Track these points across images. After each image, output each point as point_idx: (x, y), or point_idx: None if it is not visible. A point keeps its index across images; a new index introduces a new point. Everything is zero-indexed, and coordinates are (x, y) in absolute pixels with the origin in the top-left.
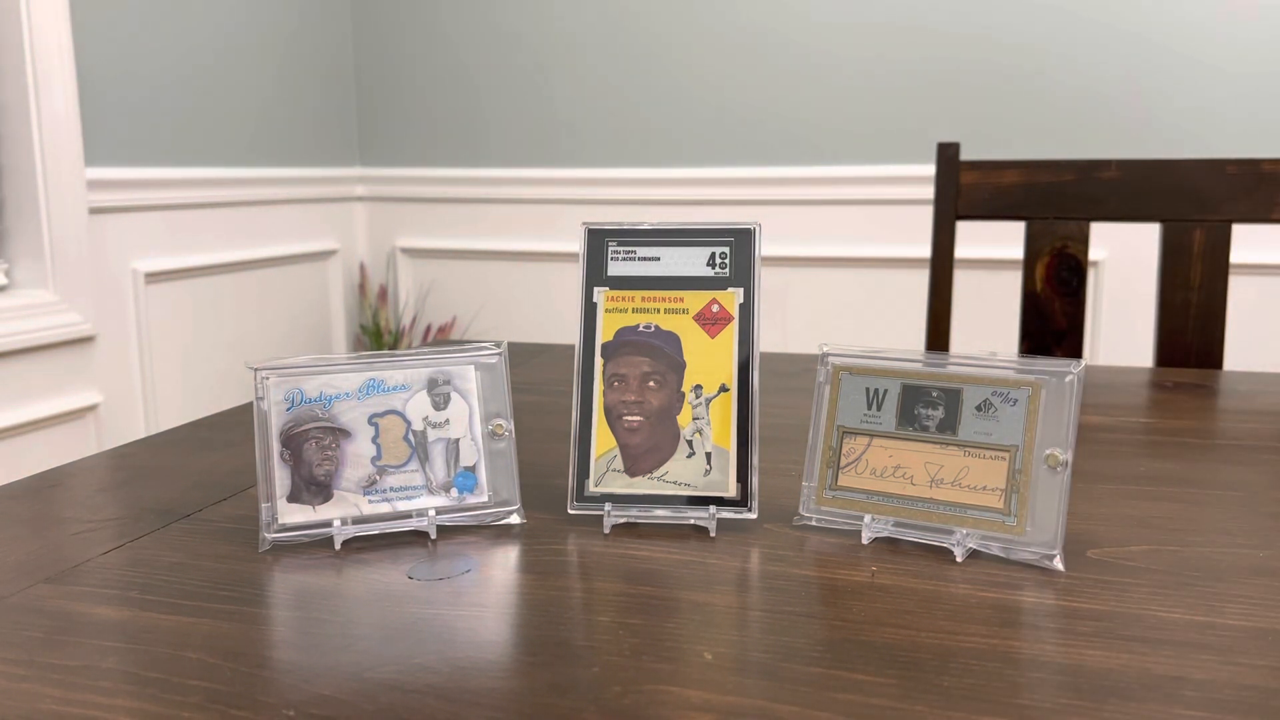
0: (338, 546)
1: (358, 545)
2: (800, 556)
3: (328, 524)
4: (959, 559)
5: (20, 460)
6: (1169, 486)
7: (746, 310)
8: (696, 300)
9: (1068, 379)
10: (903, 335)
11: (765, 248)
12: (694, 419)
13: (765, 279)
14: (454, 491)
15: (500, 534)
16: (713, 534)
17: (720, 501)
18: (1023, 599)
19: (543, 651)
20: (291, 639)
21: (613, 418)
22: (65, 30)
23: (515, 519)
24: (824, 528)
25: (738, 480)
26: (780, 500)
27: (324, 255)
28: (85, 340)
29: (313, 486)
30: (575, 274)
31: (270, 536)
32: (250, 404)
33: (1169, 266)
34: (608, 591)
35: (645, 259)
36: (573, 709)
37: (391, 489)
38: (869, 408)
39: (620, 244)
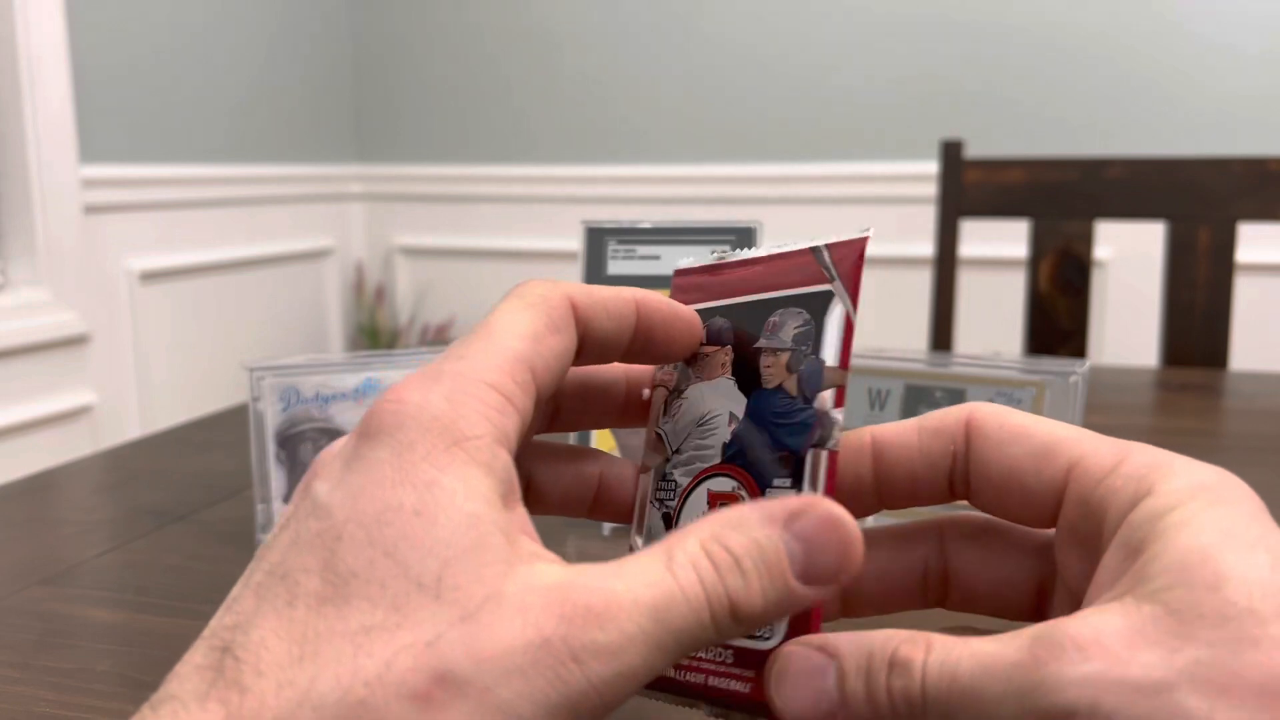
0: None
1: None
2: None
3: None
4: None
5: (14, 461)
6: None
7: None
8: None
9: (1072, 379)
10: (906, 335)
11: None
12: None
13: None
14: None
15: None
16: None
17: None
18: None
19: None
20: None
21: None
22: (60, 26)
23: None
24: None
25: None
26: None
27: (320, 254)
28: (80, 340)
29: None
30: (575, 273)
31: (266, 538)
32: (245, 404)
33: (1174, 265)
34: None
35: (645, 258)
36: None
37: None
38: (872, 408)
39: (620, 242)
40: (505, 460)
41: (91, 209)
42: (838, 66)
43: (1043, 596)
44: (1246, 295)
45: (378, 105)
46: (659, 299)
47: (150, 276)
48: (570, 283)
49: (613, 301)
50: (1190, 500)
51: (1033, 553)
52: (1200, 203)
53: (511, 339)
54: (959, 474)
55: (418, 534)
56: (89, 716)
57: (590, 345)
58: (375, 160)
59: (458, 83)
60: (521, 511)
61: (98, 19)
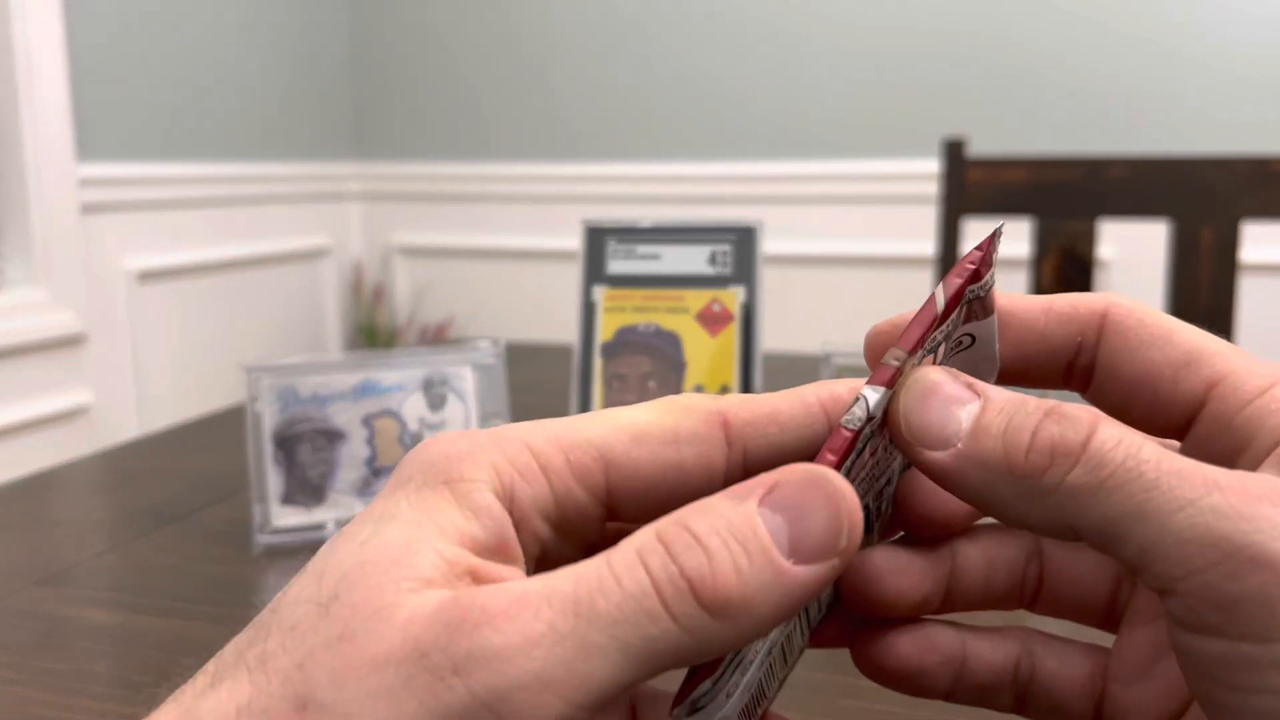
0: None
1: None
2: None
3: (321, 526)
4: None
5: (11, 462)
6: None
7: (748, 309)
8: (697, 299)
9: None
10: None
11: (767, 245)
12: None
13: (767, 277)
14: None
15: None
16: None
17: None
18: None
19: None
20: None
21: None
22: (57, 23)
23: None
24: None
25: None
26: None
27: (318, 253)
28: (77, 340)
29: (306, 488)
30: (575, 272)
31: (263, 539)
32: (243, 405)
33: (1178, 265)
34: None
35: (645, 257)
36: None
37: None
38: None
39: (620, 242)
40: (498, 511)
41: (88, 208)
42: (838, 65)
43: None
44: (1250, 295)
45: (376, 104)
46: (850, 388)
47: (148, 276)
48: (735, 396)
49: (786, 409)
50: None
51: None
52: (1204, 202)
53: (602, 427)
54: (1081, 366)
55: (346, 558)
56: (85, 718)
57: (761, 461)
58: (374, 159)
59: (456, 81)
60: (514, 571)
61: (95, 17)
